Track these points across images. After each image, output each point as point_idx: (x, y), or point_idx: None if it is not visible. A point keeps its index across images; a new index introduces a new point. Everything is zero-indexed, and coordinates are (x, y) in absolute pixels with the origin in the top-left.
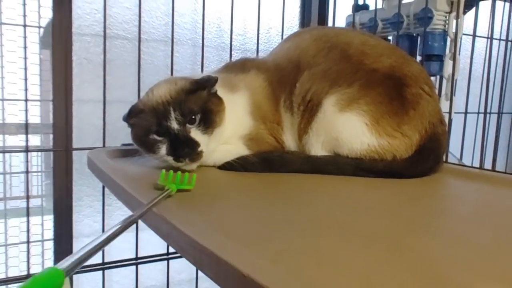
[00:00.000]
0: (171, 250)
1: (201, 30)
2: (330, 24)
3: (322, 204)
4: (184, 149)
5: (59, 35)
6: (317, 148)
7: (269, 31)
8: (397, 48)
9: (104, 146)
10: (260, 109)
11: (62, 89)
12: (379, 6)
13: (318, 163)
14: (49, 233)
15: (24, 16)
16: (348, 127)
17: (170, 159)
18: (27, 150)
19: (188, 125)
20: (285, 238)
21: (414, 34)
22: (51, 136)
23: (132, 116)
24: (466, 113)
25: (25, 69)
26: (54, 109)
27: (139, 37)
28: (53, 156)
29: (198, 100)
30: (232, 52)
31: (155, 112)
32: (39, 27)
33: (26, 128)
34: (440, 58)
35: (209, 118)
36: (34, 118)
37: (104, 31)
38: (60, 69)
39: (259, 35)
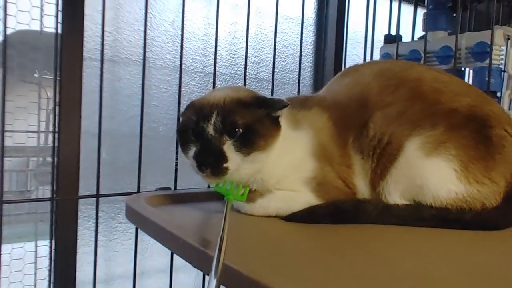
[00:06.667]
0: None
1: (212, 58)
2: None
3: (417, 273)
4: (209, 158)
5: (70, 60)
6: (396, 196)
7: (285, 59)
8: (471, 86)
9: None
10: (325, 150)
11: (72, 122)
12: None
13: (399, 215)
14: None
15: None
16: (435, 173)
17: (194, 164)
18: (52, 198)
19: (226, 137)
20: None
21: (462, 69)
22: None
23: (185, 109)
24: None
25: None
26: (59, 145)
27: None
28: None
29: (247, 116)
30: (247, 81)
31: (199, 111)
32: None
33: (52, 176)
34: (495, 95)
35: (251, 138)
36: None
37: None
38: (71, 99)
39: (274, 63)
